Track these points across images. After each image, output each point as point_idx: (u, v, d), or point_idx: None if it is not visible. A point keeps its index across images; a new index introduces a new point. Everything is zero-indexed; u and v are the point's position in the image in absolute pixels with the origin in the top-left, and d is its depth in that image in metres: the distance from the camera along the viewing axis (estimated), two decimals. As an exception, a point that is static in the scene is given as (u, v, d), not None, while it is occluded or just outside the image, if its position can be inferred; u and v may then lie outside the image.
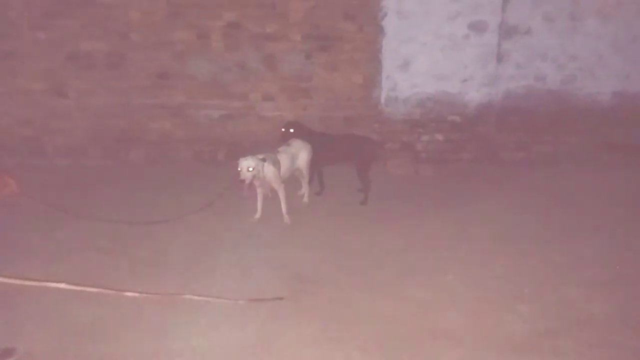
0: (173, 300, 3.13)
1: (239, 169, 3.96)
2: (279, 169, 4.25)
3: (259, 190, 4.34)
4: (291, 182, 4.69)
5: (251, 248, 3.93)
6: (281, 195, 4.33)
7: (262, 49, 5.64)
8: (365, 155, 4.81)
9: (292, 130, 4.82)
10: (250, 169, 3.95)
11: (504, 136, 5.91)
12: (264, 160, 4.12)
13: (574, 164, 5.79)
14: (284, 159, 4.34)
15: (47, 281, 3.16)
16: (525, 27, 5.63)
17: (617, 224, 4.35)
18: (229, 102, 5.79)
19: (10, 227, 4.13)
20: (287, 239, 4.09)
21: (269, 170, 4.17)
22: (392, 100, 5.74)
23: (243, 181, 3.94)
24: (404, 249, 3.93)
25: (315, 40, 5.63)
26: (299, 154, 4.59)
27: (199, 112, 5.81)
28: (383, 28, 5.55)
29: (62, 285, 3.13)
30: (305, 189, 4.81)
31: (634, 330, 2.92)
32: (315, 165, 4.82)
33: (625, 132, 5.87)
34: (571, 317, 3.05)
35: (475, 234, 4.17)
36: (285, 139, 4.75)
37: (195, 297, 3.08)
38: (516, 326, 2.96)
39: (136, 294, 3.11)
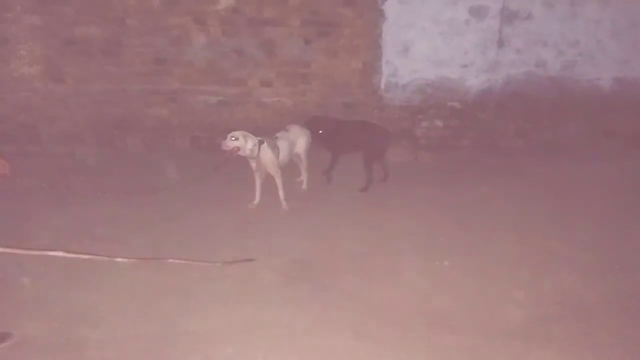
0: (162, 266, 3.13)
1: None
2: (277, 154, 4.22)
3: (257, 175, 4.32)
4: (290, 169, 4.66)
5: (249, 234, 3.92)
6: (278, 181, 4.31)
7: (260, 34, 5.56)
8: (377, 144, 4.77)
9: (320, 132, 4.72)
10: (233, 139, 3.97)
11: (503, 123, 5.86)
12: (261, 142, 4.09)
13: (573, 151, 5.75)
14: (282, 145, 4.31)
15: (47, 250, 3.43)
16: (526, 12, 5.55)
17: (615, 212, 4.33)
18: (226, 88, 5.73)
19: (6, 212, 4.10)
20: (286, 226, 4.09)
21: (266, 154, 4.14)
22: (391, 86, 5.69)
23: (224, 150, 3.97)
24: (402, 235, 3.92)
25: (314, 26, 5.55)
26: (298, 140, 4.55)
27: (196, 98, 5.76)
28: (383, 13, 5.48)
29: (60, 254, 3.39)
30: (304, 176, 4.79)
31: (630, 318, 2.92)
32: (335, 154, 4.82)
33: (625, 119, 5.83)
34: (567, 303, 3.06)
35: (472, 221, 4.17)
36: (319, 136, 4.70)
37: (177, 261, 3.43)
38: (512, 312, 2.96)
39: (125, 260, 3.40)
